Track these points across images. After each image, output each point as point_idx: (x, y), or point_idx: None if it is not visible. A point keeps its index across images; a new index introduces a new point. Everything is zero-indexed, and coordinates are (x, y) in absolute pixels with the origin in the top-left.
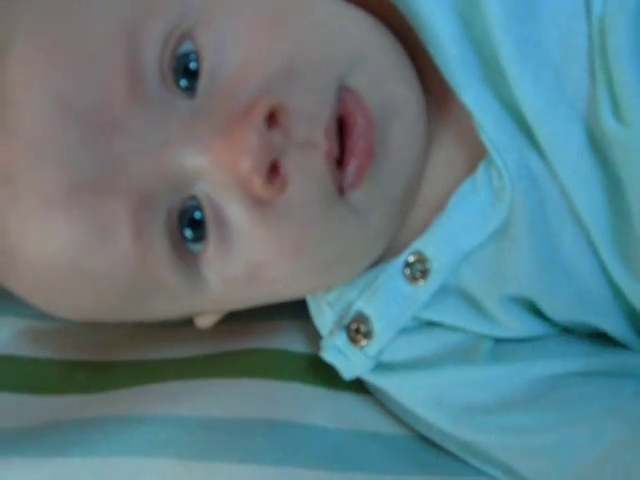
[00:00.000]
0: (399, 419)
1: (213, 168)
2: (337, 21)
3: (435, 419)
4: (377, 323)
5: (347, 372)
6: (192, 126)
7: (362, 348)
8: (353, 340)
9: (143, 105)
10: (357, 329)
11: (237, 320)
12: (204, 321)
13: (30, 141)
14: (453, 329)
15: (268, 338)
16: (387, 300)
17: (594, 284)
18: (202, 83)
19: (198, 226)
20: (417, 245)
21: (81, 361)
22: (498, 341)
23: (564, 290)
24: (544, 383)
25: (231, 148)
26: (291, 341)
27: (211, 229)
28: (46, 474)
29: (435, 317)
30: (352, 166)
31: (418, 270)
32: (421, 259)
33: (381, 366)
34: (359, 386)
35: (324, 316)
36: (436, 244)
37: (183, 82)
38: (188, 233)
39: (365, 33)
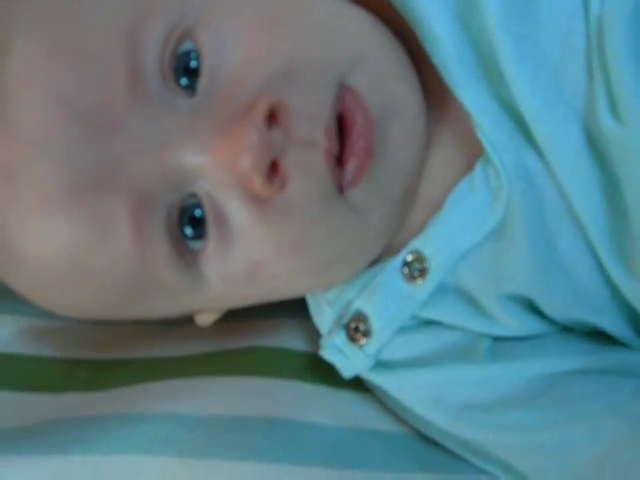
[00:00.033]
0: (398, 417)
1: (213, 166)
2: (337, 20)
3: (434, 417)
4: (376, 322)
5: (346, 371)
6: (192, 125)
7: (361, 347)
8: (352, 339)
9: (143, 104)
10: (356, 328)
11: (237, 318)
12: (204, 319)
13: (31, 139)
14: (452, 328)
15: (268, 336)
16: (386, 299)
17: (592, 283)
18: (202, 82)
19: (198, 224)
20: (415, 244)
21: (82, 359)
22: (497, 340)
23: (562, 289)
24: (543, 381)
25: (231, 147)
26: (291, 339)
27: (211, 227)
28: (47, 472)
29: (434, 316)
30: (351, 165)
31: (416, 269)
32: (419, 258)
33: (380, 364)
34: (358, 384)
35: (323, 315)
36: (434, 243)
37: (184, 81)
38: (188, 231)
39: (365, 32)
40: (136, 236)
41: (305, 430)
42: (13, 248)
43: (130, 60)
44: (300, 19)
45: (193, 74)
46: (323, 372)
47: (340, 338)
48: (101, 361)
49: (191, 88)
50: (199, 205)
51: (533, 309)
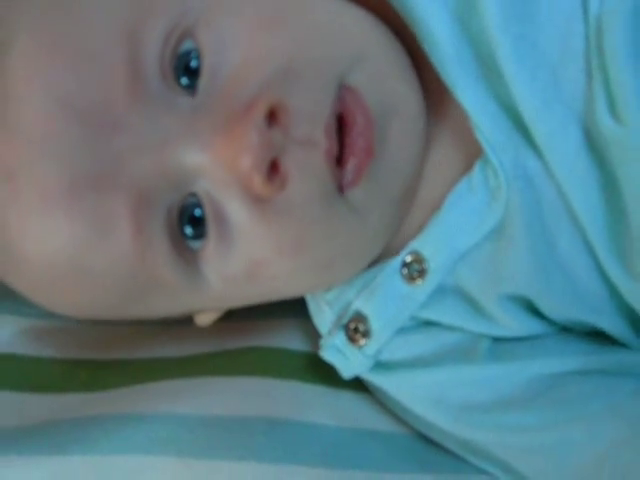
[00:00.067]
0: (398, 417)
1: (213, 166)
2: (337, 20)
3: (434, 418)
4: (375, 322)
5: (346, 371)
6: (192, 124)
7: (361, 347)
8: (352, 339)
9: (144, 103)
10: (356, 328)
11: (237, 318)
12: (204, 319)
13: (31, 139)
14: (451, 328)
15: (267, 336)
16: (385, 300)
17: (591, 283)
18: (203, 81)
19: (198, 224)
20: (414, 245)
21: (82, 359)
22: (496, 340)
23: (561, 289)
24: (543, 382)
25: (231, 146)
26: (290, 339)
27: (211, 227)
28: (47, 472)
29: (433, 316)
30: (351, 164)
31: (415, 270)
32: (418, 259)
33: (380, 365)
34: (358, 384)
35: (323, 315)
36: (433, 244)
37: (184, 80)
38: (188, 230)
39: (365, 32)
40: (136, 235)
41: (305, 430)
42: (13, 247)
43: (130, 60)
44: (300, 19)
45: (193, 74)
46: (323, 372)
47: (340, 339)
48: (101, 361)
49: (191, 87)
50: (199, 205)
51: (532, 309)
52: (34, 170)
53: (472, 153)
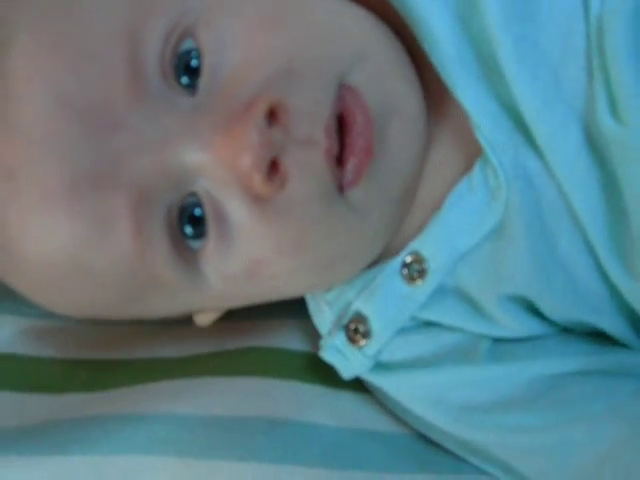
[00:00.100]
0: (398, 418)
1: (213, 165)
2: (337, 19)
3: (434, 418)
4: (375, 323)
5: (346, 372)
6: (193, 123)
7: (361, 348)
8: (352, 340)
9: (144, 102)
10: (356, 329)
11: (237, 318)
12: (203, 319)
13: (32, 138)
14: (451, 329)
15: (267, 336)
16: (385, 300)
17: (591, 283)
18: (203, 80)
19: (198, 223)
20: (414, 245)
21: (82, 360)
22: (497, 341)
23: (561, 289)
24: (543, 382)
25: (231, 145)
26: (290, 340)
27: (211, 226)
28: (47, 472)
29: (433, 317)
30: (351, 164)
31: (415, 270)
32: (418, 259)
33: (380, 366)
34: (358, 385)
35: (323, 315)
36: (433, 244)
37: (184, 79)
38: (188, 230)
39: (365, 31)
40: (136, 235)
41: (305, 430)
42: (13, 247)
43: (131, 59)
44: (300, 18)
45: (194, 73)
46: (323, 372)
47: (340, 339)
48: (101, 361)
49: (192, 87)
50: (199, 204)
51: (533, 310)
52: (34, 169)
53: (472, 153)
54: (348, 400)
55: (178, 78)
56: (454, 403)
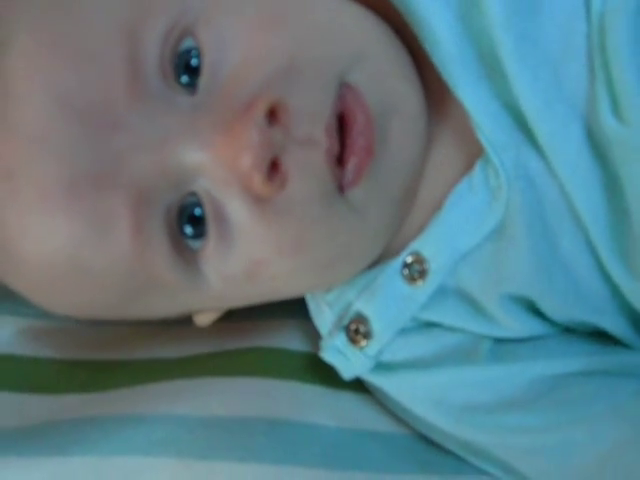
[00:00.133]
0: (399, 418)
1: (213, 164)
2: (337, 18)
3: (435, 419)
4: (376, 324)
5: (347, 372)
6: (192, 122)
7: (362, 348)
8: (352, 340)
9: (143, 101)
10: (356, 329)
11: (237, 318)
12: (203, 319)
13: (31, 137)
14: (452, 329)
15: (268, 337)
16: (386, 301)
17: (592, 283)
18: (203, 80)
19: (198, 223)
20: (415, 246)
21: (81, 360)
22: (498, 341)
23: (563, 289)
24: (545, 383)
25: (231, 144)
26: (291, 340)
27: (211, 226)
28: (46, 473)
29: (434, 318)
30: (351, 164)
31: (416, 271)
32: (419, 260)
33: (381, 366)
34: (358, 385)
35: (323, 316)
36: (433, 244)
37: (184, 78)
38: (188, 230)
39: (366, 30)
40: (135, 235)
41: (305, 431)
42: (12, 247)
43: (130, 59)
44: (300, 17)
45: (194, 72)
46: (323, 373)
47: (340, 340)
48: (100, 362)
49: (192, 86)
50: (199, 204)
51: (534, 310)
52: (33, 169)
53: (473, 153)
54: (348, 400)
55: (178, 77)
56: (455, 404)
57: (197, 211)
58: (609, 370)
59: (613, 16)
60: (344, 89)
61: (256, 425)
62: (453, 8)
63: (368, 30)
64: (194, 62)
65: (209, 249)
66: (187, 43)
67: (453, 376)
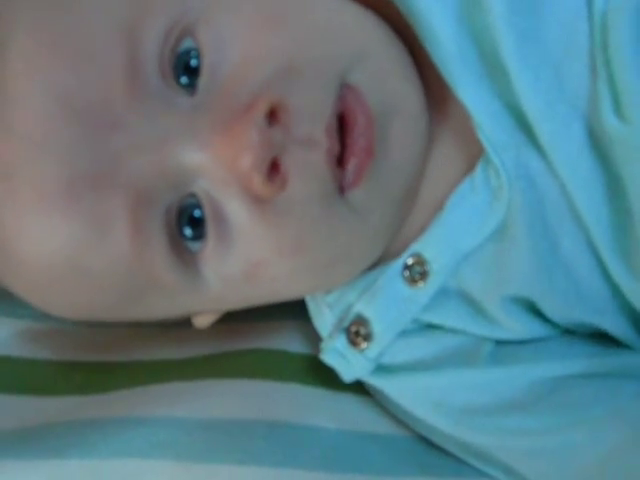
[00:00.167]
0: (399, 420)
1: (213, 165)
2: (338, 18)
3: (435, 421)
4: (377, 326)
5: (347, 374)
6: (192, 122)
7: (362, 351)
8: (353, 342)
9: (142, 101)
10: (357, 331)
11: (236, 320)
12: (202, 321)
13: (29, 137)
14: (453, 331)
15: (267, 338)
16: (387, 302)
17: (593, 283)
18: (202, 80)
19: (197, 224)
20: (416, 247)
21: (79, 362)
22: (499, 343)
23: (564, 289)
24: (545, 385)
25: (231, 144)
26: (290, 342)
27: (210, 227)
28: (44, 476)
29: (435, 320)
30: (352, 165)
31: (417, 272)
32: (420, 261)
33: (381, 368)
34: (359, 387)
35: (323, 318)
36: (435, 246)
37: (184, 79)
38: (187, 231)
39: (366, 30)
40: (134, 236)
41: (305, 433)
42: (10, 248)
43: (129, 58)
44: (300, 17)
45: (193, 72)
46: (323, 375)
47: (341, 342)
48: (98, 364)
49: (191, 86)
50: (198, 205)
51: (535, 311)
52: (32, 169)
53: (474, 152)
54: (348, 402)
55: (177, 78)
56: (455, 406)
57: (197, 213)
58: (610, 372)
59: (615, 15)
60: (345, 89)
61: (256, 428)
62: (454, 7)
63: (369, 30)
64: (193, 63)
65: (208, 250)
66: (186, 43)
67: (454, 378)
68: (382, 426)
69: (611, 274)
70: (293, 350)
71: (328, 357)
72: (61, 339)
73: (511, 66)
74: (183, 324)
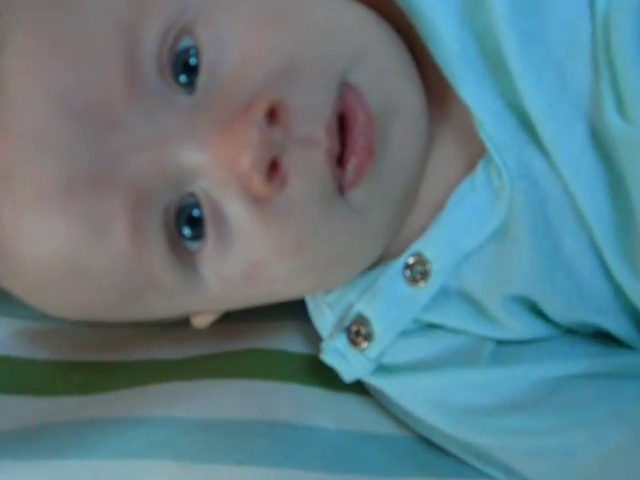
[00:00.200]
0: (399, 420)
1: (212, 164)
2: (338, 17)
3: (436, 421)
4: (377, 325)
5: (347, 374)
6: (191, 122)
7: (363, 350)
8: (353, 342)
9: (141, 100)
10: (357, 331)
11: (236, 320)
12: (200, 321)
13: (28, 137)
14: (454, 331)
15: (267, 338)
16: (387, 302)
17: (595, 283)
18: (202, 79)
19: (196, 224)
20: (417, 246)
21: (78, 362)
22: (500, 343)
23: (566, 289)
24: (547, 385)
25: (231, 144)
26: (290, 342)
27: (209, 227)
28: (43, 477)
29: (436, 319)
30: (352, 164)
31: (418, 272)
32: (421, 261)
33: (382, 368)
34: (359, 387)
35: (324, 317)
36: (436, 245)
37: (182, 78)
38: (186, 231)
39: (366, 29)
40: (133, 236)
41: (305, 433)
42: (8, 248)
43: (128, 57)
44: (300, 16)
45: (192, 71)
46: (323, 375)
47: (341, 342)
48: (97, 363)
49: (190, 85)
50: (197, 205)
51: (537, 311)
52: (30, 169)
53: (475, 152)
54: (348, 402)
55: (176, 76)
56: (456, 406)
57: (195, 212)
58: (612, 372)
59: (618, 14)
60: (345, 89)
61: (255, 428)
62: (456, 7)
63: (369, 29)
64: (192, 61)
65: (207, 250)
66: (185, 42)
67: (455, 378)
68: (382, 426)
69: (613, 274)
70: (293, 350)
71: (328, 357)
72: (60, 339)
73: (514, 66)
74: (182, 324)
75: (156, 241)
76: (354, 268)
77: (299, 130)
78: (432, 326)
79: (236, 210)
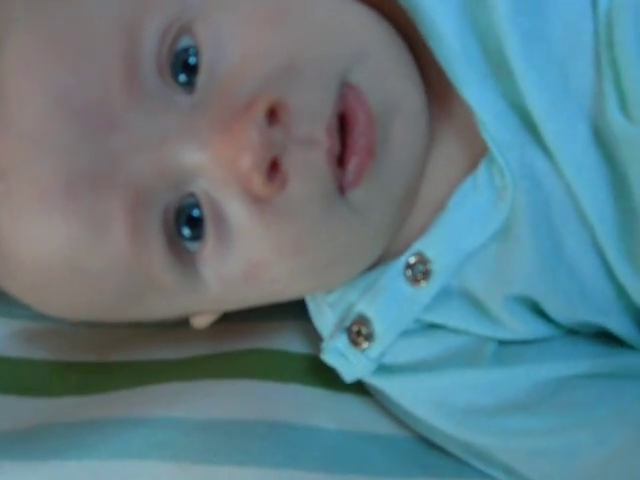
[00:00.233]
0: (400, 421)
1: (212, 165)
2: (338, 16)
3: (436, 421)
4: (378, 325)
5: (348, 375)
6: (191, 121)
7: (363, 351)
8: (354, 342)
9: (141, 100)
10: (358, 331)
11: (236, 320)
12: (200, 321)
13: (27, 137)
14: (456, 331)
15: (268, 338)
16: (388, 302)
17: (598, 283)
18: (201, 78)
19: (196, 224)
20: (418, 246)
21: (76, 362)
22: (502, 343)
23: (568, 289)
24: (548, 386)
25: (231, 144)
26: (291, 342)
27: (209, 227)
28: (43, 477)
29: (438, 319)
30: (352, 164)
31: (420, 271)
32: (422, 260)
33: (382, 368)
34: (359, 387)
35: (324, 317)
36: (437, 245)
37: (182, 77)
38: (186, 231)
39: (367, 28)
40: (132, 236)
41: (305, 434)
42: (7, 248)
43: (127, 57)
44: (300, 16)
45: (192, 71)
46: (324, 375)
47: (342, 342)
48: (96, 364)
49: (189, 85)
50: (197, 205)
51: (538, 311)
52: (30, 169)
53: (477, 152)
54: (349, 403)
55: (175, 76)
56: (457, 406)
57: (195, 212)
58: (614, 372)
59: (620, 12)
60: (345, 88)
61: (255, 428)
62: (457, 6)
63: (369, 28)
64: (192, 60)
65: (207, 251)
66: (185, 41)
67: (456, 379)
68: (383, 427)
69: (616, 274)
70: (293, 350)
71: (329, 357)
72: (58, 339)
73: (516, 65)
74: (182, 324)
75: (156, 241)
76: (354, 268)
77: (299, 130)
78: (433, 326)
79: (236, 210)
